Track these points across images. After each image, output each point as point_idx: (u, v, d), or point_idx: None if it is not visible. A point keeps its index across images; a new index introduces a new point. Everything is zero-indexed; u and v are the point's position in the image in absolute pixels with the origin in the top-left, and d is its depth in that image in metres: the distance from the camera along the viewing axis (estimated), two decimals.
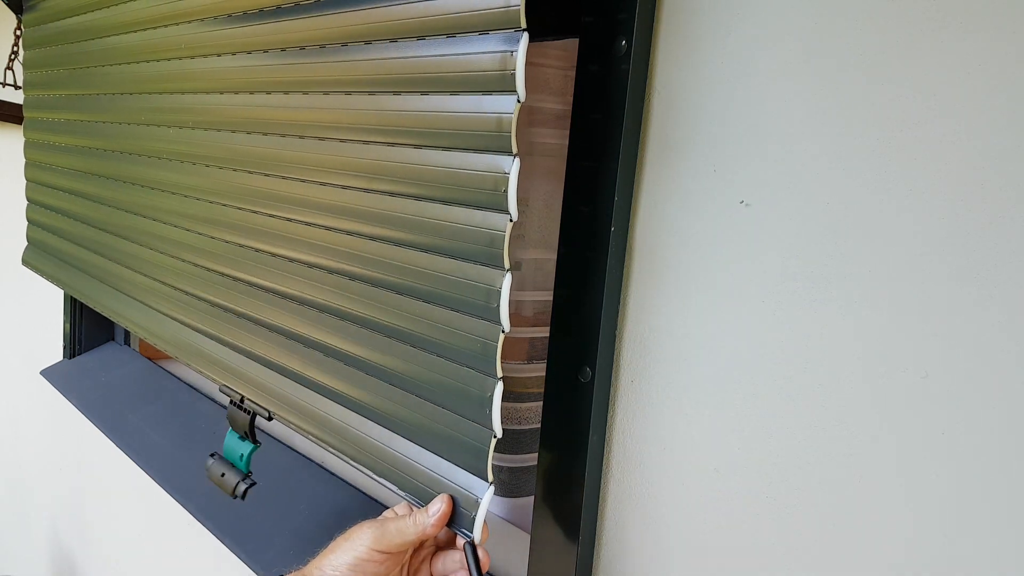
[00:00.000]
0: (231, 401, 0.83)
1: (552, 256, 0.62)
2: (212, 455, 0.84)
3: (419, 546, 0.63)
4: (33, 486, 1.94)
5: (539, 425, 0.63)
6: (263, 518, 0.97)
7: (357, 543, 0.58)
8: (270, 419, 0.78)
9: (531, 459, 0.91)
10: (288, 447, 1.12)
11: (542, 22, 0.64)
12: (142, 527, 1.39)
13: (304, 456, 1.10)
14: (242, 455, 0.81)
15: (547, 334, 0.62)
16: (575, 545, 0.60)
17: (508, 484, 0.92)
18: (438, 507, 0.58)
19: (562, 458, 0.61)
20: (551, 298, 0.61)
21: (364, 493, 0.97)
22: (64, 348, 1.61)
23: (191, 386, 1.36)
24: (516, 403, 0.90)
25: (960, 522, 0.42)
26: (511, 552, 0.82)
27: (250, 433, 0.81)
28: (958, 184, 0.41)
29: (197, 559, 1.17)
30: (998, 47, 0.40)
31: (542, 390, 0.62)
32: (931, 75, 0.42)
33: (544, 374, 0.62)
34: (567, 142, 0.59)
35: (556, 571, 0.61)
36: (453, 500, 0.58)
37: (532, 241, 0.88)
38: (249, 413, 0.80)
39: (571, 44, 0.59)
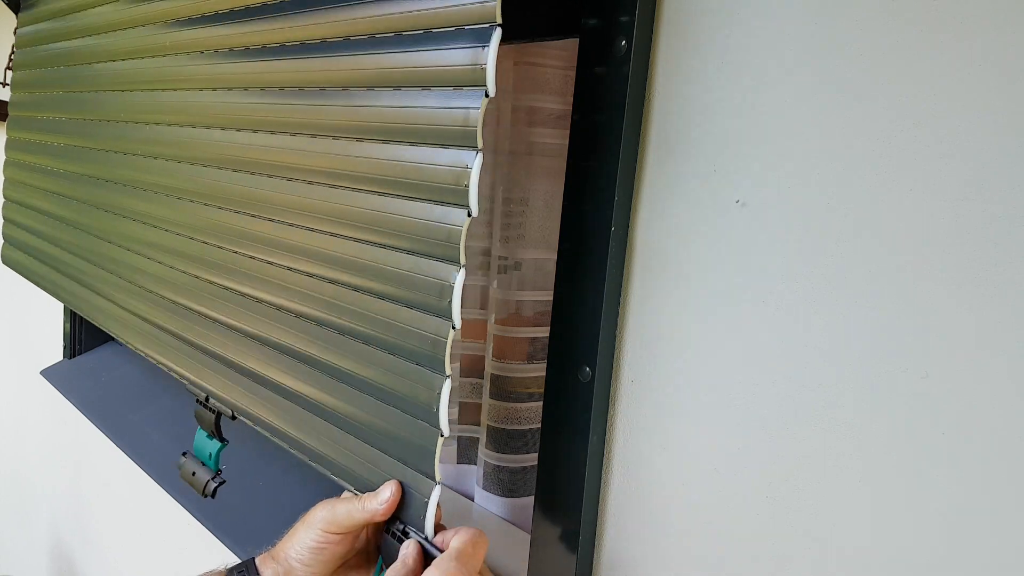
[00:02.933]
0: (196, 399, 0.83)
1: (552, 256, 0.62)
2: (184, 453, 0.85)
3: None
4: (33, 486, 1.94)
5: (539, 425, 0.63)
6: (263, 517, 0.97)
7: (312, 527, 0.60)
8: (234, 418, 0.78)
9: (531, 459, 0.91)
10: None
11: (542, 22, 0.64)
12: (142, 527, 1.39)
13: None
14: (210, 454, 0.81)
15: (547, 334, 0.62)
16: (575, 545, 0.60)
17: (508, 484, 0.92)
18: (387, 495, 0.59)
19: (562, 458, 0.61)
20: (551, 298, 0.61)
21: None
22: (64, 348, 1.61)
23: None
24: (516, 403, 0.90)
25: (961, 522, 0.42)
26: (511, 552, 0.82)
27: (217, 432, 0.81)
28: (958, 184, 0.41)
29: (197, 559, 1.17)
30: (998, 47, 0.40)
31: (542, 390, 0.62)
32: (931, 75, 0.42)
33: (544, 374, 0.62)
34: (567, 142, 0.59)
35: (556, 571, 0.61)
36: (402, 486, 0.59)
37: (532, 241, 0.88)
38: (214, 412, 0.80)
39: (571, 44, 0.59)
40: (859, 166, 0.45)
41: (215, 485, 0.80)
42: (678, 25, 0.53)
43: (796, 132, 0.48)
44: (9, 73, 1.61)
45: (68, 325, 1.59)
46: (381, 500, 0.59)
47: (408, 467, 0.58)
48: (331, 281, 0.63)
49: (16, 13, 1.38)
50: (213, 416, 0.80)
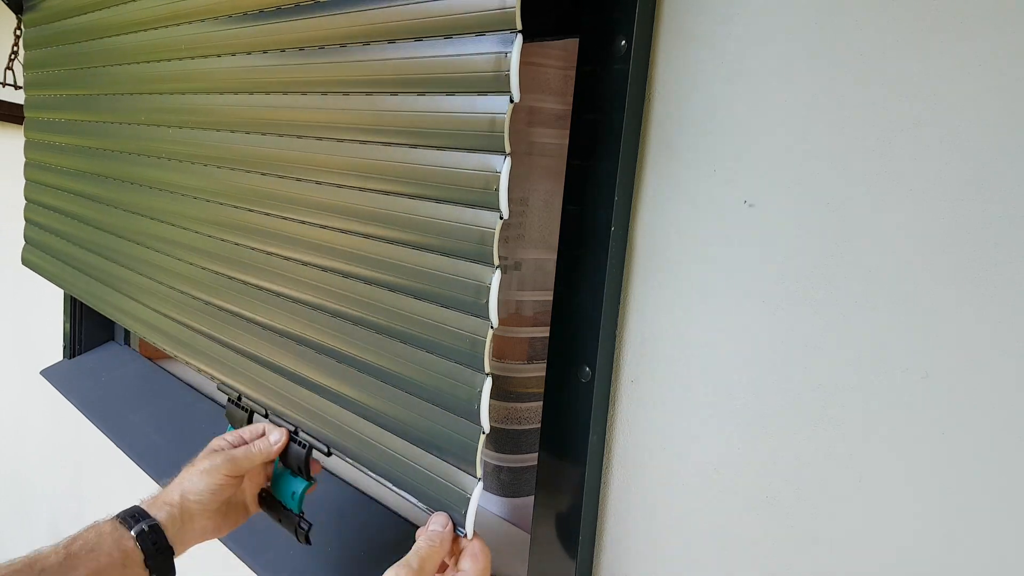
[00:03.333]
0: (229, 399, 0.84)
1: (552, 256, 0.62)
2: None
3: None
4: (33, 486, 1.94)
5: (539, 425, 0.63)
6: (262, 517, 0.97)
7: (213, 473, 0.68)
8: (266, 416, 0.79)
9: (531, 459, 0.91)
10: None
11: (542, 22, 0.64)
12: None
13: None
14: None
15: (547, 334, 0.62)
16: (575, 545, 0.60)
17: (508, 484, 0.92)
18: (277, 436, 0.72)
19: (562, 458, 0.61)
20: (551, 298, 0.61)
21: (366, 494, 0.97)
22: (64, 348, 1.61)
23: (191, 386, 1.36)
24: (516, 403, 0.90)
25: (960, 523, 0.42)
26: (511, 552, 0.82)
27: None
28: (958, 184, 0.41)
29: (197, 559, 1.17)
30: (998, 47, 0.40)
31: (542, 390, 0.62)
32: (931, 75, 0.42)
33: (544, 374, 0.62)
34: (567, 142, 0.59)
35: (556, 571, 0.61)
36: (289, 433, 0.73)
37: (532, 241, 0.88)
38: (247, 411, 0.82)
39: (571, 44, 0.59)
40: (859, 166, 0.45)
41: None
42: (678, 24, 0.53)
43: (796, 132, 0.48)
44: (9, 73, 1.61)
45: (68, 325, 1.59)
46: (274, 440, 0.72)
47: (450, 464, 0.59)
48: (367, 281, 0.64)
49: (16, 13, 1.38)
50: (246, 415, 0.83)
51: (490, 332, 0.54)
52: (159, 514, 0.66)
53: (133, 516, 0.65)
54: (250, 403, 0.81)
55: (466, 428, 0.57)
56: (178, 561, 0.68)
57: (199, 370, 0.89)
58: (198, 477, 0.68)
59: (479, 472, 0.56)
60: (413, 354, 0.60)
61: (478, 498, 0.57)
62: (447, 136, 0.54)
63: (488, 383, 0.55)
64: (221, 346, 0.84)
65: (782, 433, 0.49)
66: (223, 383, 0.85)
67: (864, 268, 0.45)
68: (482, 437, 0.56)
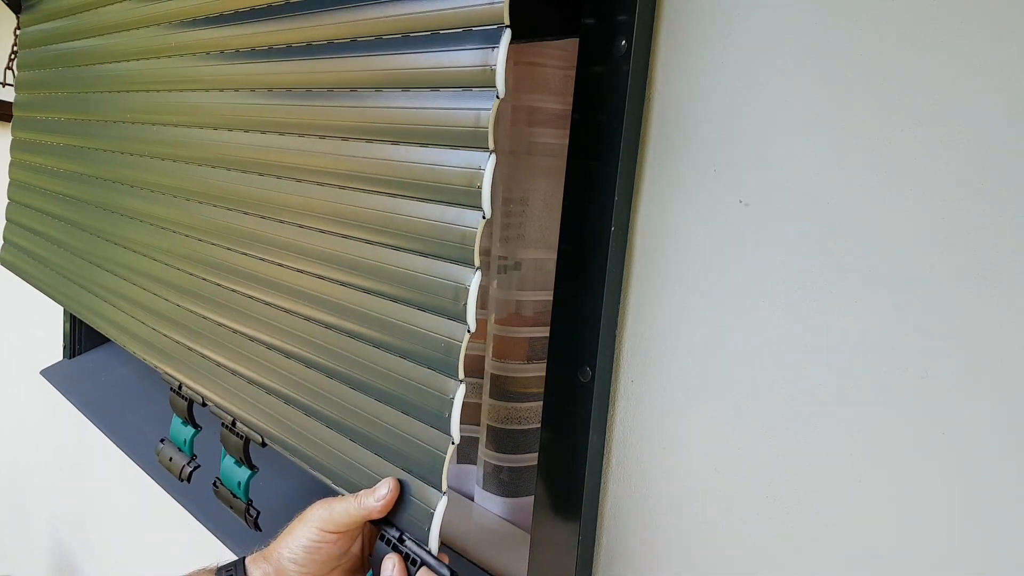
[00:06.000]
0: (171, 388, 0.86)
1: (552, 256, 0.62)
2: (161, 440, 0.90)
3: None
4: (33, 486, 1.94)
5: (539, 425, 0.63)
6: (263, 519, 0.97)
7: (308, 525, 0.59)
8: (204, 405, 0.81)
9: (531, 459, 0.91)
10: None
11: (542, 22, 0.64)
12: (142, 527, 1.39)
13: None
14: (185, 439, 0.87)
15: (547, 334, 0.62)
16: (575, 545, 0.60)
17: (508, 484, 0.92)
18: (384, 492, 0.58)
19: (562, 458, 0.61)
20: (551, 298, 0.61)
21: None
22: (64, 348, 1.61)
23: None
24: (516, 403, 0.90)
25: (960, 522, 0.42)
26: (511, 552, 0.82)
27: (190, 418, 0.87)
28: (957, 184, 0.41)
29: (197, 559, 1.17)
30: (998, 47, 0.40)
31: (542, 390, 0.62)
32: (931, 75, 0.42)
33: (544, 374, 0.62)
34: (567, 142, 0.59)
35: (556, 571, 0.61)
36: (401, 484, 0.59)
37: (532, 241, 0.88)
38: (186, 399, 0.85)
39: (571, 44, 0.59)
40: (859, 166, 0.45)
41: (190, 470, 0.86)
42: (678, 25, 0.53)
43: (796, 132, 0.48)
44: (9, 73, 1.61)
45: (68, 325, 1.59)
46: (378, 497, 0.58)
47: (413, 476, 0.57)
48: (341, 283, 0.62)
49: (16, 13, 1.38)
50: (186, 403, 0.84)
51: (466, 336, 0.52)
52: (255, 572, 0.59)
53: (230, 571, 0.59)
54: (190, 392, 0.83)
55: (433, 438, 0.55)
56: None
57: (162, 372, 0.90)
58: (298, 529, 0.59)
59: (445, 486, 0.54)
60: (384, 359, 0.58)
61: (442, 514, 0.54)
62: (431, 133, 0.53)
63: (462, 390, 0.52)
64: (188, 351, 0.85)
65: (782, 433, 0.49)
66: (165, 372, 0.86)
67: (864, 268, 0.45)
68: (451, 448, 0.53)
